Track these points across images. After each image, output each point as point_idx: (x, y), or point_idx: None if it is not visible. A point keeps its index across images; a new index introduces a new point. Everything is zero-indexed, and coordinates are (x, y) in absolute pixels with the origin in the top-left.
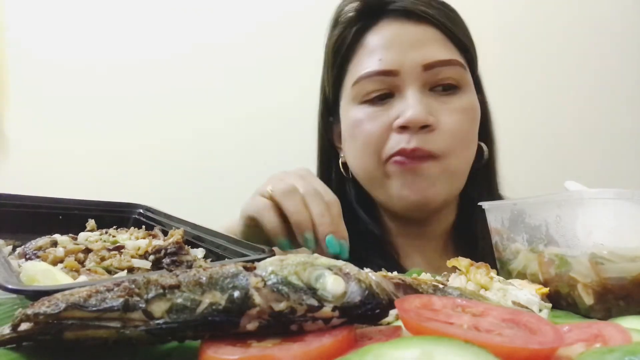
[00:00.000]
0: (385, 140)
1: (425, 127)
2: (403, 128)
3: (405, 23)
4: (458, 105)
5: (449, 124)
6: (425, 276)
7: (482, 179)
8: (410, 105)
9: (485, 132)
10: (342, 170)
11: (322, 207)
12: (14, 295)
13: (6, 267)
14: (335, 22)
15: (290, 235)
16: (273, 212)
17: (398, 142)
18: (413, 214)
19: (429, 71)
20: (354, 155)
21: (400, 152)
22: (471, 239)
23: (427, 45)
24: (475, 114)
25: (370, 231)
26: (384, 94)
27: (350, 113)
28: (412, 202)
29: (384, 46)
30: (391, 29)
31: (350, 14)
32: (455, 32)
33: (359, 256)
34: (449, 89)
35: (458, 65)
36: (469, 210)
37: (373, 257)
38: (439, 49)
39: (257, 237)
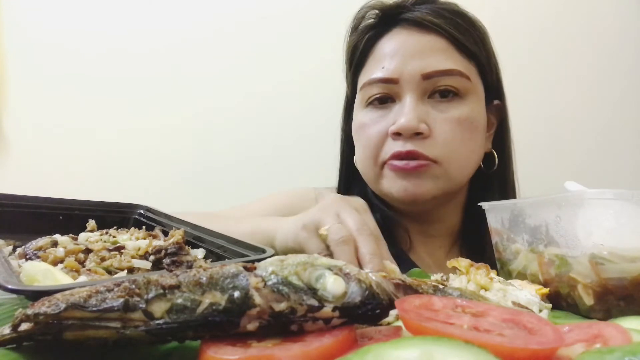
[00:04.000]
0: (382, 145)
1: (418, 135)
2: (397, 134)
3: (414, 32)
4: (455, 114)
5: (444, 133)
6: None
7: (495, 185)
8: (403, 113)
9: (501, 137)
10: (356, 165)
11: (370, 243)
12: (14, 296)
13: (6, 267)
14: (353, 29)
15: None
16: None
17: (393, 147)
18: (405, 208)
19: (428, 80)
20: (358, 155)
21: (395, 156)
22: (477, 242)
23: (429, 55)
24: (473, 123)
25: (385, 218)
26: (385, 99)
27: (358, 115)
28: (400, 199)
29: (389, 55)
30: (399, 38)
31: (366, 22)
32: (461, 41)
33: None
34: (448, 97)
35: (458, 75)
36: (476, 214)
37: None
38: (441, 58)
39: None
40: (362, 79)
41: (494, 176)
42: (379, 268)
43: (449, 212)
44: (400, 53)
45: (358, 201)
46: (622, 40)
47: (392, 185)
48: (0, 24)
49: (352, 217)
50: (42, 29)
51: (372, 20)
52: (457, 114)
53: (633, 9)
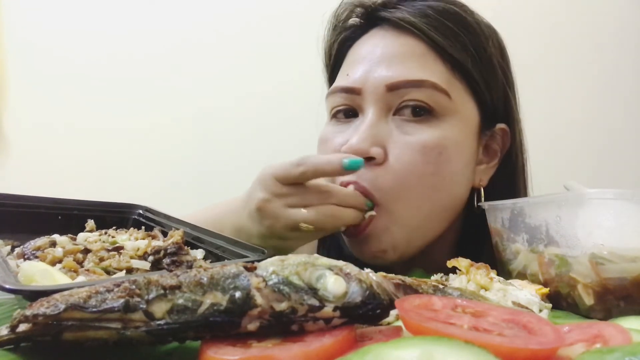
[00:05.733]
0: None
1: (371, 160)
2: None
3: (389, 35)
4: (421, 138)
5: (400, 161)
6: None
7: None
8: (358, 131)
9: (504, 171)
10: None
11: (318, 196)
12: (13, 296)
13: (3, 267)
14: (330, 28)
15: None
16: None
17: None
18: None
19: (394, 92)
20: None
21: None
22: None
23: (399, 61)
24: (443, 153)
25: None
26: (349, 112)
27: (322, 130)
28: (365, 260)
29: (357, 60)
30: (373, 41)
31: (345, 21)
32: (445, 46)
33: None
34: (419, 116)
35: (431, 88)
36: (472, 251)
37: None
38: (412, 66)
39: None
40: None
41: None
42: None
43: (437, 251)
44: (367, 59)
45: (262, 173)
46: (623, 40)
47: (350, 245)
48: (0, 24)
49: (280, 174)
50: (42, 29)
51: (352, 19)
52: (424, 138)
53: (633, 8)
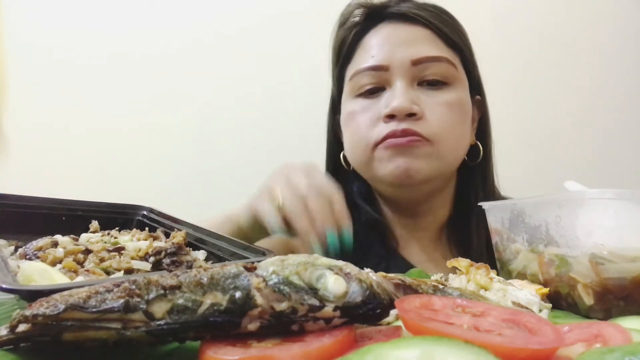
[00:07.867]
0: (374, 129)
1: (411, 116)
2: (390, 117)
3: (400, 25)
4: (445, 99)
5: (435, 115)
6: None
7: (478, 177)
8: (396, 96)
9: (483, 131)
10: (343, 162)
11: (319, 204)
12: (14, 296)
13: (2, 267)
14: (340, 24)
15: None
16: (279, 218)
17: (387, 128)
18: (400, 192)
19: (418, 66)
20: (348, 143)
21: (390, 135)
22: (465, 235)
23: (417, 43)
24: (462, 109)
25: (371, 220)
26: (375, 87)
27: (347, 106)
28: (395, 175)
29: (377, 44)
30: (386, 30)
31: (353, 19)
32: (446, 32)
33: (361, 245)
34: (437, 83)
35: (446, 62)
36: (464, 207)
37: (374, 246)
38: (428, 46)
39: (260, 233)
40: (350, 70)
41: (477, 170)
42: (328, 225)
43: (439, 205)
44: (389, 42)
45: (306, 164)
46: (623, 40)
47: (385, 165)
48: (0, 24)
49: (301, 179)
50: (42, 29)
51: (358, 17)
52: (447, 98)
53: (634, 10)
